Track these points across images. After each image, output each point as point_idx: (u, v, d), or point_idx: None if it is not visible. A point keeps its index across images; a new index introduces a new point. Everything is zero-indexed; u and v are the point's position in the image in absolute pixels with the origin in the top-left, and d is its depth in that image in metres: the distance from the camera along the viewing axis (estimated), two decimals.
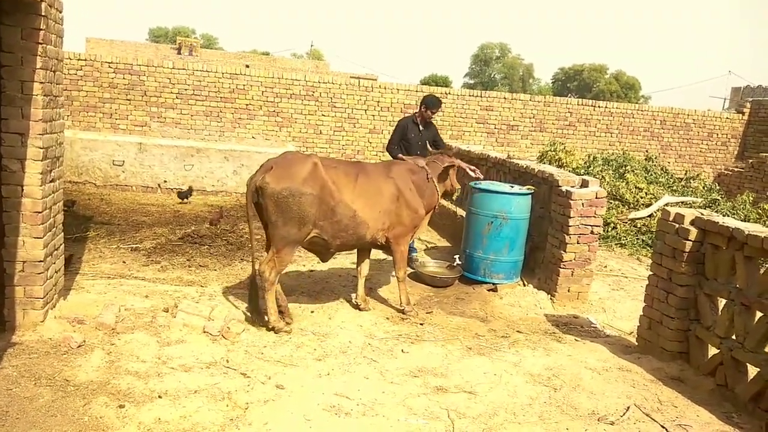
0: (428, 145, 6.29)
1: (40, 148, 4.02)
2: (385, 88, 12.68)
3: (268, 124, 11.99)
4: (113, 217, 7.95)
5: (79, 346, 3.95)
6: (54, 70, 4.25)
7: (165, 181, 9.92)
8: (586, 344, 4.82)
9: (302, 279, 6.05)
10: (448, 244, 7.81)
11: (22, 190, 4.02)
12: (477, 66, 65.74)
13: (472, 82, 63.44)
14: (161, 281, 5.53)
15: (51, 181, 4.27)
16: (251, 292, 4.77)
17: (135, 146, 9.84)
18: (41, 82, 3.98)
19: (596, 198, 5.79)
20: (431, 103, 6.64)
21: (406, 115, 8.78)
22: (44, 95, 4.03)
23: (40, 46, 3.94)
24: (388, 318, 5.17)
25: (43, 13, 3.91)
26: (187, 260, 6.29)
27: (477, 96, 13.25)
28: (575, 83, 58.81)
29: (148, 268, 5.98)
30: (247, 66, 19.56)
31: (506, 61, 65.00)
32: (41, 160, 4.03)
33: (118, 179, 9.75)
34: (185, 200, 9.36)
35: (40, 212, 4.06)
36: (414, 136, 6.69)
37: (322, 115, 12.22)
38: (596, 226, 5.84)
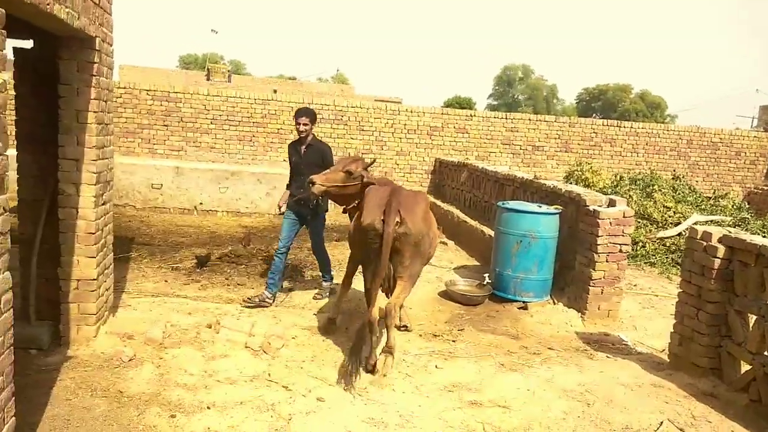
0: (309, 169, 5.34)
1: (94, 173, 4.28)
2: (411, 111, 12.91)
3: None
4: (153, 238, 8.25)
5: (130, 360, 4.17)
6: (105, 99, 4.53)
7: (201, 203, 10.24)
8: (617, 361, 4.87)
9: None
10: (477, 263, 7.91)
11: (77, 212, 4.27)
12: (500, 87, 66.06)
13: (495, 103, 63.69)
14: (202, 299, 5.75)
15: (103, 204, 4.52)
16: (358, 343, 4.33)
17: (172, 170, 10.20)
18: (95, 111, 4.24)
19: (624, 217, 5.86)
20: (295, 114, 5.89)
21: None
22: (97, 123, 4.30)
23: (93, 78, 4.21)
24: (420, 335, 5.29)
25: (97, 48, 4.19)
26: (226, 279, 6.52)
27: (502, 118, 13.41)
28: (600, 103, 58.64)
29: (189, 286, 6.22)
30: (275, 91, 20.09)
31: (529, 83, 65.20)
32: (95, 185, 4.29)
33: (156, 202, 10.11)
34: None
35: (93, 233, 4.30)
36: (294, 159, 5.96)
37: (351, 138, 12.50)
38: (625, 244, 5.90)
